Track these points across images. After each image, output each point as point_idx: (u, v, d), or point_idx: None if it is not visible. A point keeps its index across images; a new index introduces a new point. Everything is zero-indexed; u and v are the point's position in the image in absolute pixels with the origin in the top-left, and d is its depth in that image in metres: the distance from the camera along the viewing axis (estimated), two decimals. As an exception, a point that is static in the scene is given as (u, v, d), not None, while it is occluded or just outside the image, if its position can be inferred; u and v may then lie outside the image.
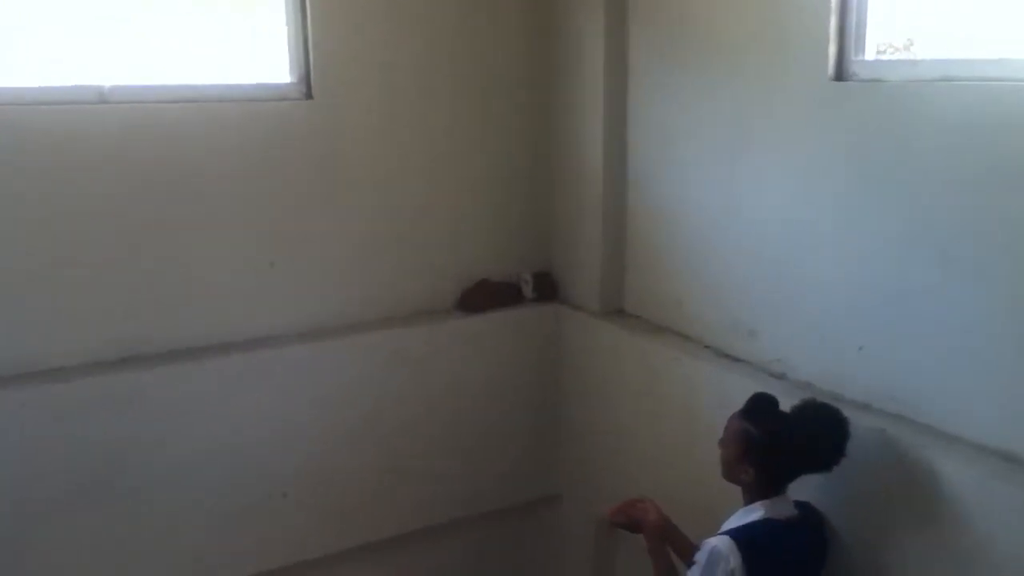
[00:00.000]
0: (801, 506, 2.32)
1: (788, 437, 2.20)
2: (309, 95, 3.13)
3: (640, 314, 3.35)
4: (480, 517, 3.67)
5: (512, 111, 3.53)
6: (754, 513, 2.24)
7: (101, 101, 2.85)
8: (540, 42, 3.51)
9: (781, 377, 2.66)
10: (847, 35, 2.45)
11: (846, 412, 2.32)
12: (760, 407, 2.28)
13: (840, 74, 2.46)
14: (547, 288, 3.64)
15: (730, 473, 2.30)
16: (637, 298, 3.38)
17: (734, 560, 2.13)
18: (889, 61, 2.47)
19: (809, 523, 2.32)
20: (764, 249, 2.73)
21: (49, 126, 2.76)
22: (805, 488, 2.37)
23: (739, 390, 2.47)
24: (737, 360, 2.83)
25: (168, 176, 2.95)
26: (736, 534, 2.19)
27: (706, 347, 2.97)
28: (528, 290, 3.61)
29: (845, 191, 2.44)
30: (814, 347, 2.58)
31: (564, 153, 3.53)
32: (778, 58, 2.62)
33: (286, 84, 3.12)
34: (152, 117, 2.90)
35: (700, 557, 2.20)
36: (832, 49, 2.45)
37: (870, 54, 2.44)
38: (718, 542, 2.17)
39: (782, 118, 2.63)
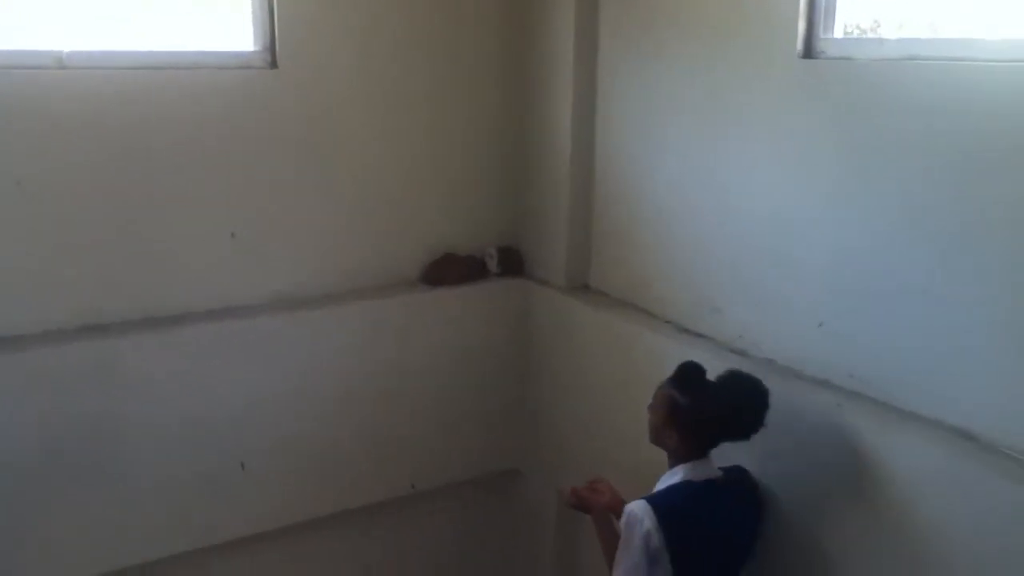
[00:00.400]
0: (731, 470, 2.39)
1: (711, 405, 2.27)
2: (274, 64, 3.08)
3: (605, 290, 3.36)
4: (445, 489, 3.68)
5: (483, 84, 3.51)
6: (675, 476, 2.33)
7: (60, 67, 2.78)
8: (514, 16, 3.48)
9: (743, 354, 2.68)
10: (816, 12, 2.45)
11: (805, 388, 2.37)
12: (687, 376, 2.34)
13: (809, 51, 2.47)
14: (513, 263, 3.64)
15: (657, 438, 2.38)
16: (603, 274, 3.38)
17: (649, 522, 2.20)
18: (857, 39, 2.47)
19: (742, 485, 2.41)
20: (730, 226, 2.74)
21: (6, 91, 2.70)
22: (761, 462, 2.41)
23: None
24: (700, 336, 2.85)
25: (129, 143, 2.89)
26: (653, 497, 2.28)
27: (669, 323, 2.98)
28: (493, 264, 3.60)
29: (812, 168, 2.45)
30: (776, 324, 2.60)
31: (533, 128, 3.51)
32: (747, 35, 2.62)
33: (250, 52, 3.06)
34: (112, 84, 2.84)
35: (621, 522, 2.29)
36: (801, 26, 2.45)
37: (838, 33, 2.45)
38: (634, 506, 2.25)
39: (750, 95, 2.63)
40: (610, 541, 2.44)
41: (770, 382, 2.36)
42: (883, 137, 2.25)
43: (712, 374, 2.37)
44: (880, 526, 2.22)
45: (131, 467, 2.98)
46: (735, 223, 2.72)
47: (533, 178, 3.55)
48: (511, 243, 3.68)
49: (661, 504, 2.24)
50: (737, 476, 2.41)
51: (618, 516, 2.47)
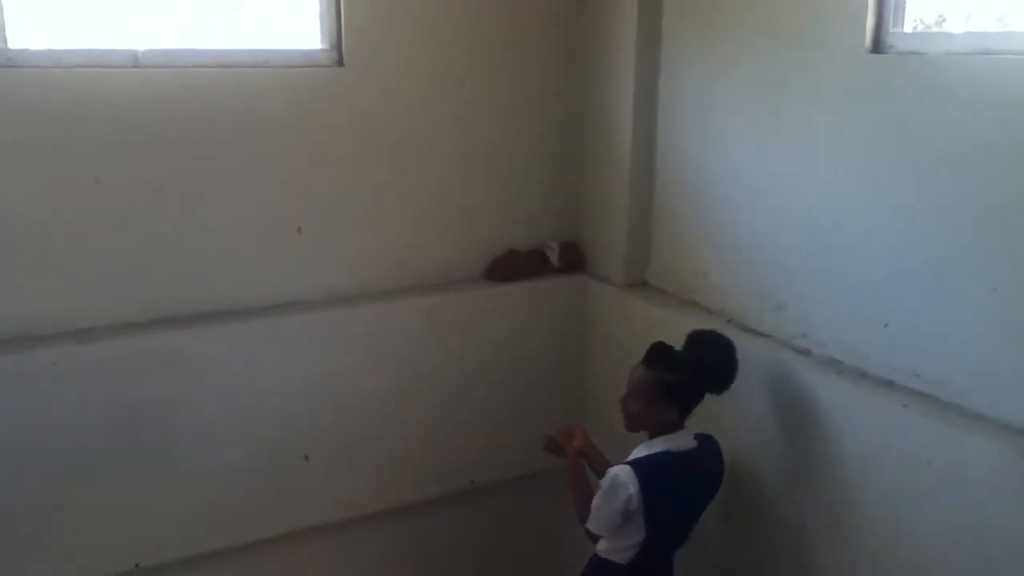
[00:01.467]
0: (702, 437, 2.55)
1: (695, 369, 2.46)
2: (340, 62, 3.13)
3: (665, 287, 3.35)
4: (502, 484, 3.70)
5: (545, 80, 3.52)
6: (656, 446, 2.49)
7: (135, 65, 2.87)
8: (575, 10, 3.49)
9: (806, 353, 2.65)
10: (885, 6, 2.42)
11: (871, 389, 2.38)
12: (663, 354, 2.49)
13: (877, 46, 2.43)
14: (574, 258, 3.64)
15: (642, 421, 2.52)
16: (662, 271, 3.37)
17: (632, 487, 2.39)
18: (926, 33, 2.43)
19: (709, 454, 2.57)
20: (793, 223, 2.71)
21: (84, 89, 2.79)
22: (826, 464, 2.36)
23: (763, 364, 2.45)
24: (761, 335, 2.82)
25: (200, 140, 2.97)
26: (637, 464, 2.45)
27: (730, 321, 2.96)
28: (554, 258, 3.60)
29: (879, 165, 2.41)
30: (840, 323, 2.57)
31: (594, 123, 3.51)
32: (815, 29, 2.58)
33: (318, 50, 3.13)
34: (184, 81, 2.92)
35: (604, 483, 2.45)
36: (870, 21, 2.42)
37: (907, 28, 2.40)
38: (619, 470, 2.43)
39: (817, 90, 2.60)
40: (579, 485, 2.65)
41: (834, 382, 2.33)
42: (954, 132, 2.20)
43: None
44: (947, 524, 2.18)
45: (199, 457, 3.06)
46: (798, 220, 2.69)
47: (593, 174, 3.55)
48: (572, 239, 3.68)
49: (645, 471, 2.41)
50: (706, 444, 2.56)
51: (589, 460, 2.73)
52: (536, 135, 3.56)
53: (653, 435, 2.52)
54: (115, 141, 2.86)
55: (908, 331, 2.36)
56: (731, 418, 2.69)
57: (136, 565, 3.04)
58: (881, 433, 2.32)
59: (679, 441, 2.49)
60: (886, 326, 2.42)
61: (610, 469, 2.47)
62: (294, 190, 3.14)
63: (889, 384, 2.40)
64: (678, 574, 2.65)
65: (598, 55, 3.43)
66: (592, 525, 2.48)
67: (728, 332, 2.86)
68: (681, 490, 2.51)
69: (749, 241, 2.90)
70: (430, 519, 3.64)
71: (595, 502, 2.47)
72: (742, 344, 2.75)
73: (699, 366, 2.46)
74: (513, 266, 3.54)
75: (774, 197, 2.78)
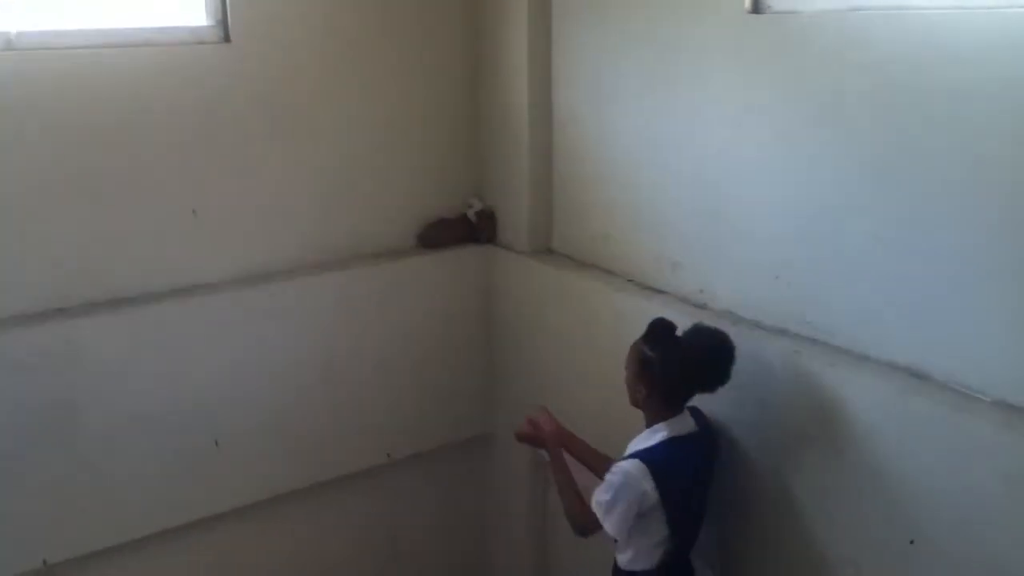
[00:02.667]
0: (695, 413, 2.46)
1: (679, 358, 2.33)
2: (227, 38, 3.05)
3: (568, 252, 3.40)
4: (420, 456, 3.71)
5: (443, 48, 3.50)
6: (658, 434, 2.39)
7: (8, 48, 2.74)
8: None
9: (703, 307, 2.73)
10: (764, -32, 2.49)
11: (764, 337, 2.45)
12: (656, 331, 2.40)
13: (757, 6, 2.50)
14: (490, 224, 3.64)
15: (631, 394, 2.44)
16: (565, 237, 3.42)
17: (647, 483, 2.29)
18: (803, -8, 2.51)
19: (706, 432, 2.48)
20: (684, 183, 2.78)
21: (-46, 74, 2.66)
22: (725, 410, 2.49)
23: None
24: (661, 292, 2.90)
25: (82, 125, 2.86)
26: (645, 456, 2.33)
27: (631, 281, 3.03)
28: (472, 216, 3.61)
29: (765, 122, 2.49)
30: (734, 277, 2.66)
31: (491, 93, 3.52)
32: (699, -8, 2.64)
33: (202, 27, 3.04)
34: (63, 64, 2.81)
35: (613, 479, 2.33)
36: (750, -19, 2.49)
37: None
38: (629, 466, 2.31)
39: (702, 52, 2.66)
40: (565, 479, 2.55)
41: (730, 333, 2.42)
42: (832, 89, 2.29)
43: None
44: (839, 463, 2.29)
45: (102, 449, 2.98)
46: (691, 180, 2.76)
47: (496, 146, 3.56)
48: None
49: (655, 463, 2.31)
50: (699, 419, 2.48)
51: (567, 445, 2.65)
52: (437, 110, 3.53)
53: (653, 420, 2.41)
54: (-8, 129, 2.73)
55: (798, 280, 2.46)
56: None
57: (44, 562, 2.95)
58: (777, 378, 2.42)
59: (681, 426, 2.39)
60: (777, 278, 2.51)
61: (617, 463, 2.35)
62: (186, 172, 3.05)
63: (782, 331, 2.50)
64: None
65: (493, 23, 3.43)
66: (609, 525, 2.33)
67: (629, 292, 2.95)
68: (692, 475, 2.40)
69: (644, 203, 2.96)
70: (349, 495, 3.63)
71: (604, 497, 2.32)
72: (642, 303, 2.84)
73: (684, 352, 2.33)
74: (440, 233, 3.56)
75: (665, 159, 2.84)
